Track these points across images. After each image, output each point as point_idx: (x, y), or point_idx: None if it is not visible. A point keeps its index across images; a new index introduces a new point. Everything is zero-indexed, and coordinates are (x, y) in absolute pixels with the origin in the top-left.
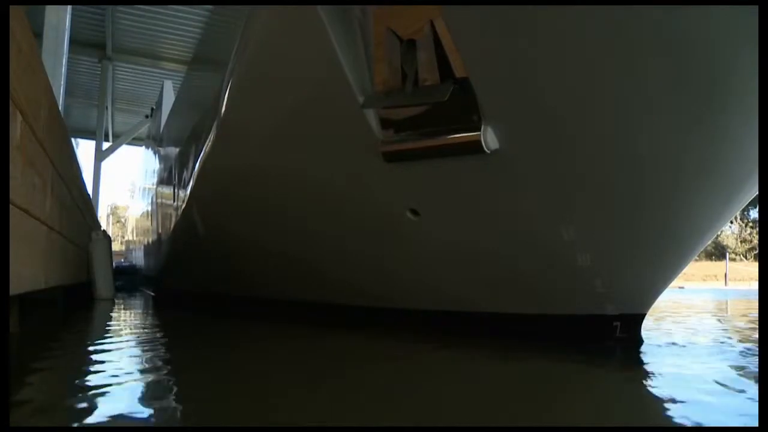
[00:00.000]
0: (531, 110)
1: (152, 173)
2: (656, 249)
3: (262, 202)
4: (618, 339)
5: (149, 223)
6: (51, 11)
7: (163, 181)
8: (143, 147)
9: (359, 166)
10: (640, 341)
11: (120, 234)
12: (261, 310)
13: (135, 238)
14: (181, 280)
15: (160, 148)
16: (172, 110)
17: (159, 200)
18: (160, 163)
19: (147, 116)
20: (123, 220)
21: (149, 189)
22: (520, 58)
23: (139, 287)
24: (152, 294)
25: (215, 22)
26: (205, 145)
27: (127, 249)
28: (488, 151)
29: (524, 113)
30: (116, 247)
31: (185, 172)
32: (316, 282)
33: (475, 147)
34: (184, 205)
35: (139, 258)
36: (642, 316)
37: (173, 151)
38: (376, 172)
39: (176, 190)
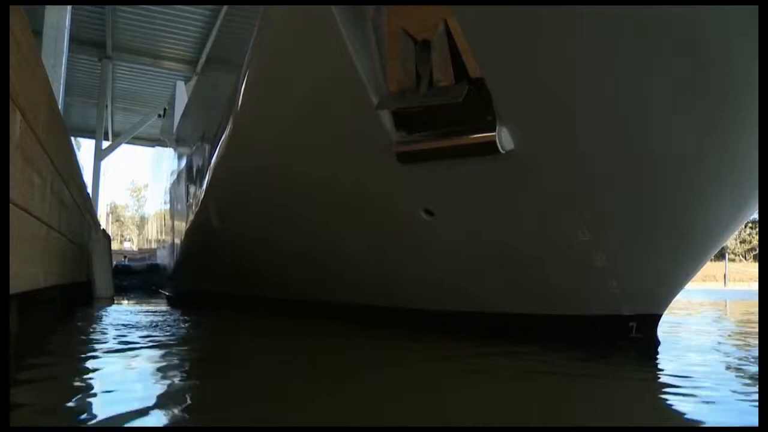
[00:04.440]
0: (546, 111)
1: (167, 173)
2: (672, 249)
3: (278, 202)
4: (634, 339)
5: (166, 222)
6: (51, 10)
7: (177, 180)
8: (156, 146)
9: (374, 167)
10: (657, 341)
11: (119, 233)
12: (279, 310)
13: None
14: (197, 281)
15: (175, 148)
16: (185, 110)
17: (174, 199)
18: (174, 163)
19: (159, 116)
20: (122, 219)
21: (165, 188)
22: (534, 59)
23: (153, 287)
24: (167, 294)
25: (230, 23)
26: (220, 145)
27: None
28: (503, 152)
29: (539, 114)
30: (116, 246)
31: (200, 172)
32: (331, 282)
33: (490, 147)
34: (198, 205)
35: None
36: (658, 317)
37: (187, 151)
38: (390, 173)
39: (191, 190)
